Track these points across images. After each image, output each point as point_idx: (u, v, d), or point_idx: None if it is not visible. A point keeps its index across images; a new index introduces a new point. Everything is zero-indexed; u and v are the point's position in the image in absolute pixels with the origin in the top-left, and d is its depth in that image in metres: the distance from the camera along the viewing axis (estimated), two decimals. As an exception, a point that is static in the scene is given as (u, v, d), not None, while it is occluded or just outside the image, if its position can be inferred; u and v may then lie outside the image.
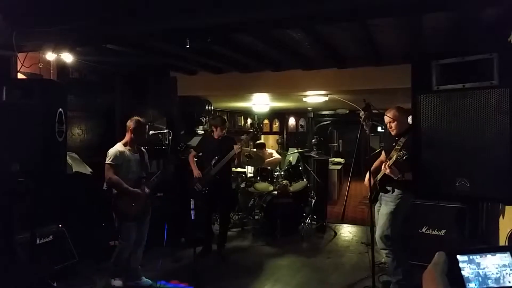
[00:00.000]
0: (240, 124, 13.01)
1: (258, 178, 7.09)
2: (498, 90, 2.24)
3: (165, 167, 4.62)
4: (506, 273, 0.75)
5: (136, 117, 4.44)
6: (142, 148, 4.57)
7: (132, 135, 4.38)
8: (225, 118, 6.81)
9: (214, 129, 5.72)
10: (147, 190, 4.34)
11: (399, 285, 4.10)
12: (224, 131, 5.70)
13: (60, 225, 4.59)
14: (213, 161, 5.48)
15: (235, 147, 5.53)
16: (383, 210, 4.13)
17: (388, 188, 4.09)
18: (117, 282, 4.37)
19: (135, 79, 6.55)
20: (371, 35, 4.56)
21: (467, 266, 0.75)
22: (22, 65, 4.11)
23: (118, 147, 4.34)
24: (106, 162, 4.24)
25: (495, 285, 0.74)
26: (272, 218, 6.51)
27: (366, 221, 7.31)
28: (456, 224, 4.60)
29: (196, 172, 5.43)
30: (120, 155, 4.27)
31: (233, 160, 5.74)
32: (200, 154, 5.70)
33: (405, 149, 3.80)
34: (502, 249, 0.77)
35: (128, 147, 4.38)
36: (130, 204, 4.22)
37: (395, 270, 4.12)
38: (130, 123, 4.40)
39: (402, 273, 4.07)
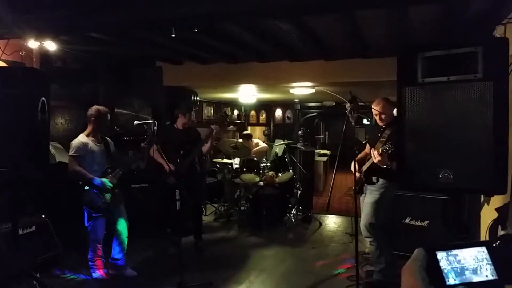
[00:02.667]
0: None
1: (244, 169, 7.09)
2: (482, 83, 2.26)
3: (131, 159, 4.56)
4: (483, 264, 0.76)
5: (96, 106, 4.35)
6: (107, 138, 4.50)
7: (93, 125, 4.31)
8: (192, 106, 6.53)
9: (182, 117, 5.45)
10: (113, 181, 4.28)
11: (381, 273, 4.17)
12: (189, 118, 5.51)
13: (43, 216, 4.54)
14: (181, 152, 5.29)
15: (212, 126, 5.33)
16: (368, 199, 4.18)
17: (373, 179, 4.14)
18: (97, 274, 4.35)
19: (120, 68, 6.46)
20: (358, 27, 4.57)
21: (445, 258, 0.75)
22: (3, 52, 4.03)
23: (81, 138, 4.26)
24: (69, 153, 4.19)
25: (473, 275, 0.75)
26: (258, 209, 6.52)
27: (350, 212, 7.37)
28: (439, 215, 4.67)
29: (168, 166, 4.88)
30: (83, 146, 4.20)
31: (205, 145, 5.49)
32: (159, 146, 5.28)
33: (390, 142, 3.83)
34: (478, 244, 0.78)
35: (91, 138, 4.31)
36: (95, 195, 4.18)
37: (378, 258, 4.18)
38: (90, 112, 4.31)
39: (385, 262, 4.14)
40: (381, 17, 4.21)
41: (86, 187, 4.17)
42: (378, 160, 3.91)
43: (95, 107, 4.34)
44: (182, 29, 3.99)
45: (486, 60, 2.26)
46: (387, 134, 4.01)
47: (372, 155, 3.99)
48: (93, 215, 4.21)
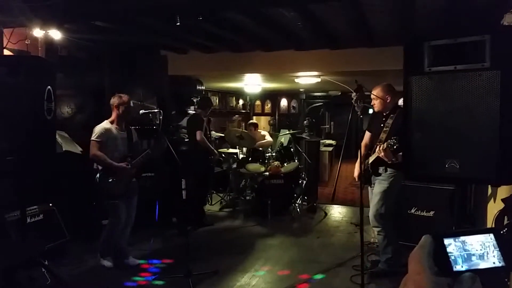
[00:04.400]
0: (231, 105, 12.94)
1: (250, 159, 7.10)
2: (490, 72, 2.23)
3: (153, 148, 4.59)
4: (490, 251, 0.76)
5: (118, 94, 4.38)
6: (130, 127, 4.52)
7: (118, 111, 4.33)
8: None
9: (207, 109, 6.14)
10: (133, 169, 4.31)
11: (387, 263, 4.18)
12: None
13: (50, 204, 4.58)
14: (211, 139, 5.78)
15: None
16: (376, 188, 4.17)
17: (380, 171, 4.12)
18: (107, 262, 4.39)
19: (125, 57, 6.44)
20: (364, 15, 4.53)
21: (453, 244, 0.75)
22: (9, 41, 4.03)
23: (105, 124, 4.30)
24: (91, 138, 4.22)
25: (480, 261, 0.74)
26: (263, 199, 6.54)
27: (356, 202, 7.39)
28: (445, 205, 4.65)
29: (216, 151, 5.98)
30: (106, 132, 4.24)
31: None
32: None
33: (394, 135, 3.81)
34: (486, 231, 0.78)
35: (115, 125, 4.33)
36: (115, 182, 4.21)
37: (385, 248, 4.18)
38: (113, 100, 4.34)
39: (391, 252, 4.15)
40: (387, 5, 4.17)
41: (98, 175, 4.19)
42: (383, 155, 3.89)
43: (117, 94, 4.38)
44: (187, 17, 3.97)
45: (493, 49, 2.22)
46: (390, 123, 3.99)
47: (377, 150, 3.97)
48: (111, 202, 4.24)
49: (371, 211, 4.18)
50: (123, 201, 4.31)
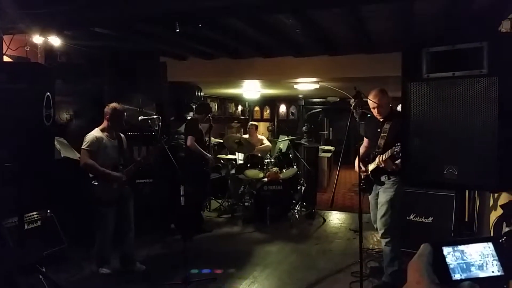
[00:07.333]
0: (230, 111, 12.96)
1: (248, 165, 7.10)
2: (487, 79, 2.24)
3: (145, 156, 4.57)
4: (489, 261, 0.76)
5: (113, 104, 4.38)
6: (121, 134, 4.52)
7: (108, 122, 4.33)
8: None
9: (204, 115, 6.11)
10: (124, 177, 4.31)
11: (391, 276, 3.98)
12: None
13: (48, 211, 4.56)
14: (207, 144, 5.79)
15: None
16: (382, 198, 4.02)
17: (383, 179, 4.02)
18: (105, 270, 4.37)
19: (124, 63, 6.45)
20: (363, 22, 4.55)
21: (451, 254, 0.76)
22: (8, 47, 4.03)
23: (95, 132, 4.29)
24: (82, 147, 4.22)
25: (479, 271, 0.74)
26: (261, 205, 6.53)
27: (354, 208, 7.37)
28: (444, 212, 4.64)
29: (210, 156, 5.99)
30: (97, 141, 4.23)
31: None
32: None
33: (393, 141, 3.76)
34: (484, 240, 0.78)
35: (105, 133, 4.33)
36: (105, 189, 4.21)
37: (392, 261, 3.99)
38: (107, 110, 4.35)
39: (398, 265, 3.96)
40: (386, 12, 4.19)
41: (95, 182, 4.19)
42: (384, 166, 3.85)
43: (112, 104, 4.37)
44: (186, 23, 3.99)
45: (491, 56, 2.23)
46: (387, 128, 3.96)
47: (378, 161, 3.91)
48: (100, 210, 4.23)
49: (380, 221, 4.01)
50: (113, 210, 4.30)
